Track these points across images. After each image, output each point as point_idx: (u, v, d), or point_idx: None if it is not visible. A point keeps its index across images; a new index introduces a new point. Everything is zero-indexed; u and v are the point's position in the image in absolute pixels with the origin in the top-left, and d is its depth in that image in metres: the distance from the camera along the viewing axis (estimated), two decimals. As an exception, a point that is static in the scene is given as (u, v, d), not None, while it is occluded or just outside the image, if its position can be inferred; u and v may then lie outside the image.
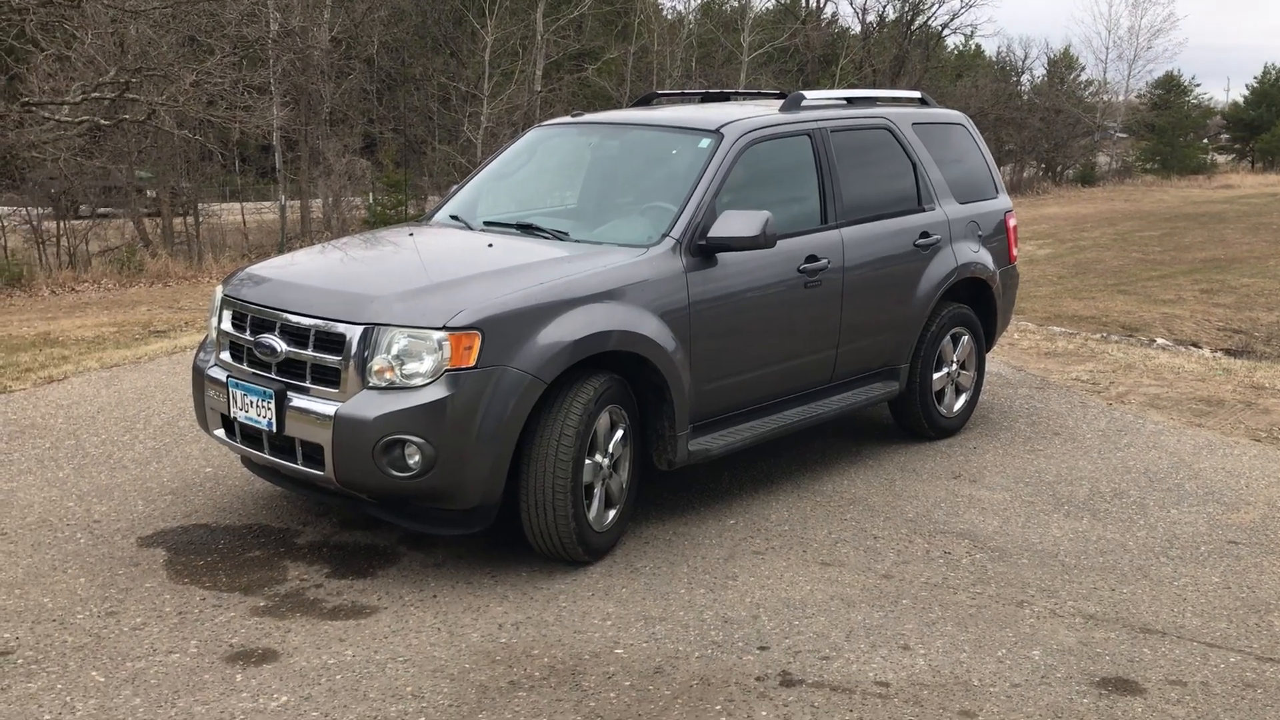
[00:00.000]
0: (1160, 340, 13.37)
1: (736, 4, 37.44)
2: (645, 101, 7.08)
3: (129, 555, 4.78)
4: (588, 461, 4.62)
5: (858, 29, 41.54)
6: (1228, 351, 12.90)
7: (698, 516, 5.33)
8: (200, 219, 22.58)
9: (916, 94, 7.01)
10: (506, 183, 6.25)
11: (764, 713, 3.62)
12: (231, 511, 5.29)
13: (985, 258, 6.65)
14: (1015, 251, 7.11)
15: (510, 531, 4.77)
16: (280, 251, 18.68)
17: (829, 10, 42.95)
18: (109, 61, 17.24)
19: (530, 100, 26.81)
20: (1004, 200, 7.03)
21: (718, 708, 3.65)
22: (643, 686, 3.78)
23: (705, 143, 5.41)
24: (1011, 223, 7.02)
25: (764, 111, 5.82)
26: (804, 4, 40.65)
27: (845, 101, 6.33)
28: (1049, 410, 7.27)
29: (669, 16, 35.04)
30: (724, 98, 7.06)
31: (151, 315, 12.41)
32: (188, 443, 6.26)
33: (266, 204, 25.42)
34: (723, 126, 5.45)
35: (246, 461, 5.20)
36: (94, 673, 3.81)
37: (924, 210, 6.34)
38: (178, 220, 21.69)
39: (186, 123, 19.19)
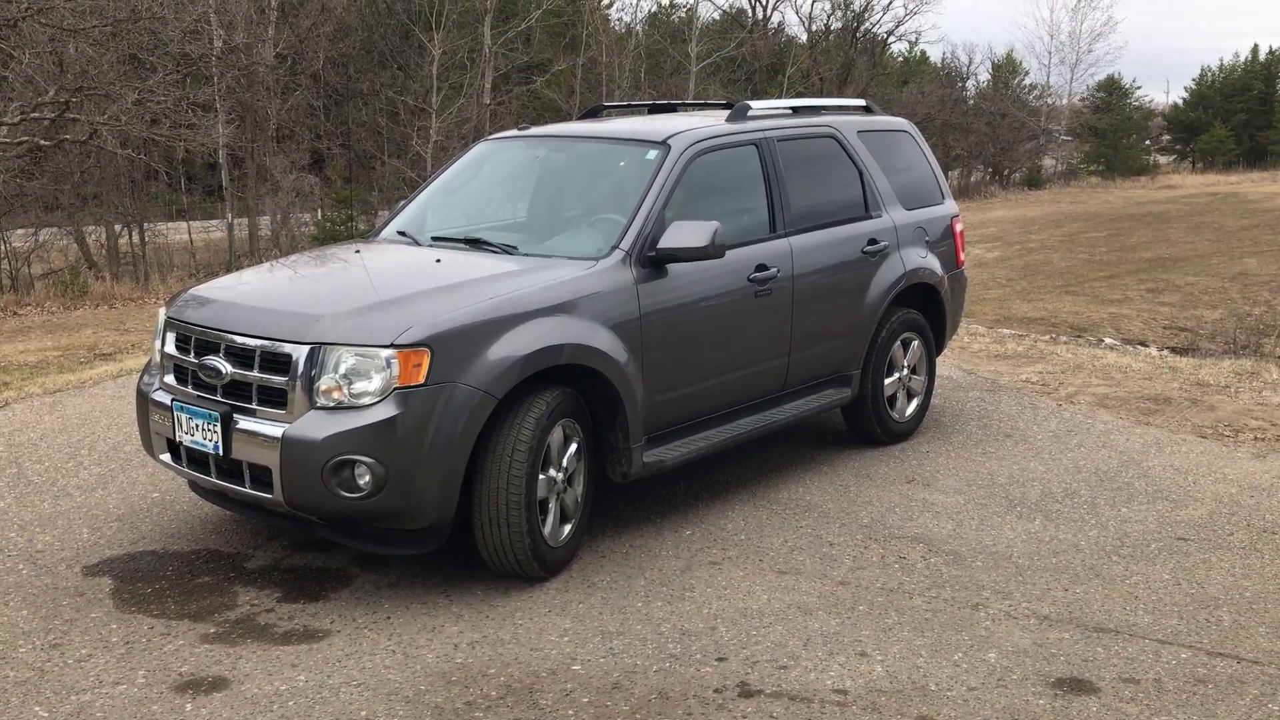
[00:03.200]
0: (1108, 340, 13.57)
1: (684, 14, 37.64)
2: (593, 114, 7.07)
3: (74, 585, 4.68)
4: (541, 476, 4.58)
5: (804, 38, 41.91)
6: (1174, 349, 13.13)
7: (654, 528, 5.31)
8: (146, 239, 22.26)
9: (861, 102, 7.06)
10: (454, 197, 6.20)
11: (723, 725, 3.61)
12: (180, 537, 5.20)
13: (933, 263, 6.71)
14: (963, 256, 7.17)
15: (465, 550, 4.73)
16: (229, 270, 18.46)
17: (775, 20, 43.24)
18: (48, 81, 16.97)
19: (479, 113, 26.75)
20: (950, 205, 7.10)
21: (676, 721, 3.63)
22: (600, 703, 3.75)
23: (652, 154, 5.41)
24: (958, 227, 7.09)
25: (710, 122, 5.83)
26: (750, 14, 40.94)
27: (791, 111, 6.36)
28: (1000, 412, 7.33)
29: (617, 28, 35.17)
30: (671, 109, 7.07)
31: (97, 338, 12.20)
32: (134, 468, 6.14)
33: (214, 222, 25.16)
34: (669, 138, 5.45)
35: (194, 486, 5.11)
36: (37, 708, 3.72)
37: (871, 217, 6.38)
38: (123, 241, 21.38)
39: (130, 142, 18.94)
